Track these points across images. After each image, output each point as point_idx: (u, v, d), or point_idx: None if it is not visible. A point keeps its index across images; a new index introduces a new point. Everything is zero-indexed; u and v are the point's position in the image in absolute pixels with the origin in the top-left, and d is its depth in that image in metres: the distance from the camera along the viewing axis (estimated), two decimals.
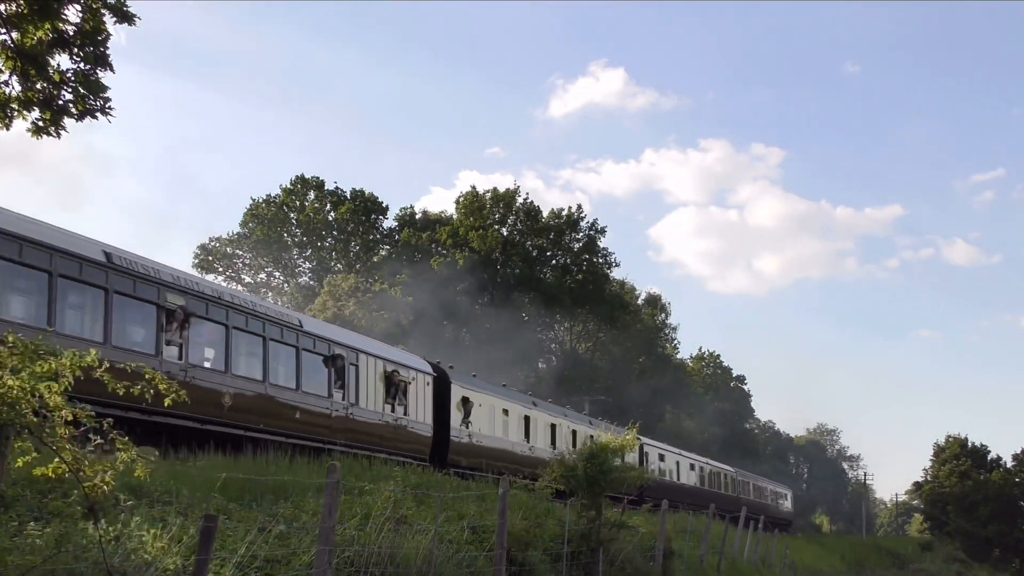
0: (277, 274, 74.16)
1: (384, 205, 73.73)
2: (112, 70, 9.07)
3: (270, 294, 70.57)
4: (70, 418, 6.50)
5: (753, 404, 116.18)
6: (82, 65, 8.96)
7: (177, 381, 7.64)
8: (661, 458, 50.50)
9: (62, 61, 8.97)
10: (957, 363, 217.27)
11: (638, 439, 44.53)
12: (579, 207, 74.67)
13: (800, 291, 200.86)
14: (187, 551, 8.73)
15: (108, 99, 9.08)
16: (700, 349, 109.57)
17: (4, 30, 8.67)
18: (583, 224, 73.80)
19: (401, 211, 74.71)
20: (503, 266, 70.16)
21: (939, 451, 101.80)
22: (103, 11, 8.91)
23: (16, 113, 9.01)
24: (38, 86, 8.93)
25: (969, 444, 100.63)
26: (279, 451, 19.15)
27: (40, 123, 9.02)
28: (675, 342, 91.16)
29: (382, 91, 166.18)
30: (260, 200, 71.69)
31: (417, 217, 73.89)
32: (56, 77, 8.92)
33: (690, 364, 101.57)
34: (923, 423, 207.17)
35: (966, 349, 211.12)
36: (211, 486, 12.28)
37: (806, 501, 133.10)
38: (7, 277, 15.41)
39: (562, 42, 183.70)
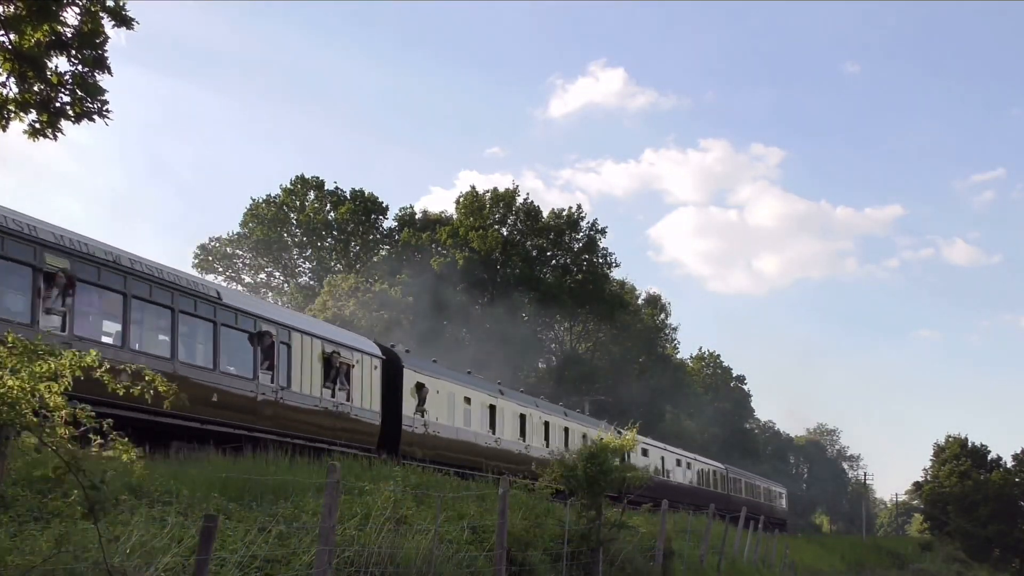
0: (277, 274, 74.21)
1: (384, 205, 73.83)
2: (110, 73, 9.09)
3: (270, 294, 70.61)
4: (70, 418, 6.52)
5: (753, 404, 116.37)
6: (80, 68, 8.98)
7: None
8: (644, 453, 47.43)
9: (60, 63, 8.99)
10: (957, 363, 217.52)
11: (619, 432, 44.12)
12: (579, 207, 74.80)
13: (800, 291, 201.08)
14: (187, 551, 8.75)
15: (106, 101, 9.10)
16: (700, 349, 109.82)
17: (2, 32, 8.69)
18: (583, 224, 73.88)
19: (401, 211, 74.85)
20: (503, 266, 70.18)
21: (939, 451, 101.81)
22: (101, 14, 8.93)
23: (13, 115, 9.03)
24: (35, 88, 8.94)
25: (969, 444, 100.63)
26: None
27: (37, 125, 9.04)
28: (675, 342, 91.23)
29: (382, 91, 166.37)
30: (260, 200, 71.75)
31: (417, 217, 73.91)
32: (54, 79, 8.94)
33: (690, 364, 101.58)
34: (923, 423, 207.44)
35: (966, 349, 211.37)
36: (211, 486, 12.29)
37: (806, 501, 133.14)
38: None
39: (562, 42, 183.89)
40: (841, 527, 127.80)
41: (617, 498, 19.33)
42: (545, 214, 73.33)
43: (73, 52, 8.97)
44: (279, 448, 19.15)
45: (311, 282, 71.75)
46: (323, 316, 50.38)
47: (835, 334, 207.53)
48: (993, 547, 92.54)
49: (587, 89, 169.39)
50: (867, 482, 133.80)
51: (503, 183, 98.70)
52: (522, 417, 35.17)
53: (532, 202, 73.21)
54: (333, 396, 23.71)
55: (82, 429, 6.57)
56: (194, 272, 61.80)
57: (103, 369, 7.06)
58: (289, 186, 72.17)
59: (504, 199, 72.00)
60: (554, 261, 73.51)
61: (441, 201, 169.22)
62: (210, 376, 19.35)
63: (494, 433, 32.58)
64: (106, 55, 9.16)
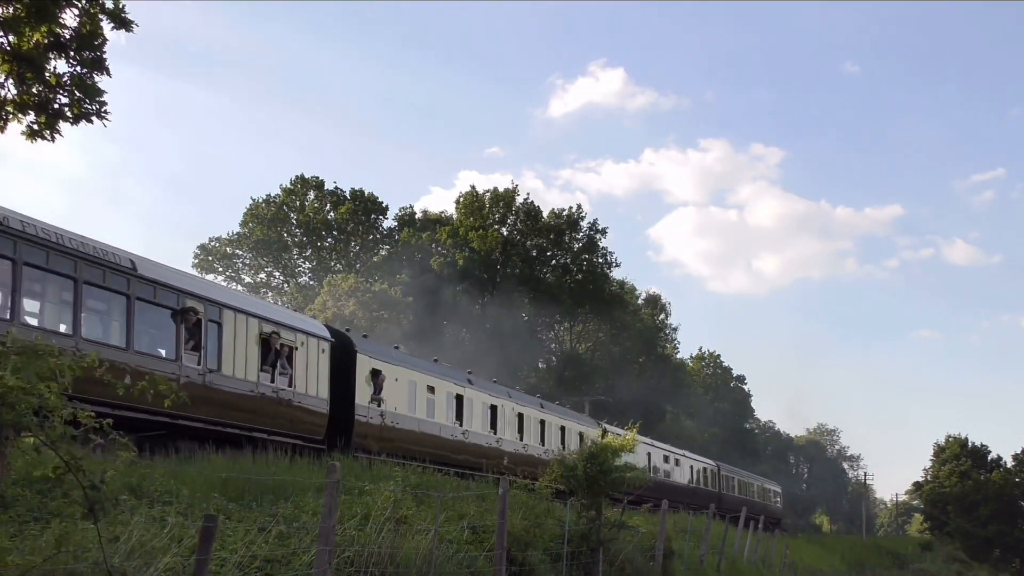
0: (277, 274, 74.20)
1: (384, 205, 73.82)
2: (109, 74, 9.09)
3: (270, 294, 70.60)
4: (70, 418, 6.52)
5: (753, 404, 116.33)
6: (79, 69, 8.98)
7: None
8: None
9: (59, 65, 8.99)
10: (957, 363, 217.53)
11: (600, 425, 42.54)
12: (579, 207, 74.80)
13: (800, 291, 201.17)
14: (187, 551, 8.75)
15: (104, 103, 9.11)
16: (700, 349, 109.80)
17: (1, 33, 8.69)
18: (583, 224, 73.89)
19: (401, 211, 74.85)
20: (503, 266, 70.18)
21: (939, 451, 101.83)
22: (100, 16, 8.93)
23: (12, 116, 9.03)
24: (34, 89, 8.95)
25: (969, 444, 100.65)
26: (278, 449, 18.66)
27: (35, 126, 9.04)
28: (675, 342, 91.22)
29: (382, 91, 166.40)
30: (260, 200, 71.76)
31: (417, 217, 73.91)
32: (52, 80, 8.95)
33: (690, 364, 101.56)
34: (923, 423, 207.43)
35: (966, 349, 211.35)
36: (211, 486, 12.30)
37: (806, 501, 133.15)
38: None
39: (562, 42, 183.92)
40: (841, 527, 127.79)
41: (617, 499, 19.31)
42: (545, 214, 73.38)
43: (72, 53, 8.98)
44: (207, 439, 18.12)
45: (311, 282, 71.75)
46: (323, 316, 50.38)
47: (835, 334, 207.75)
48: (993, 547, 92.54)
49: (587, 89, 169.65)
50: (867, 482, 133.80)
51: (503, 183, 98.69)
52: (493, 409, 32.74)
53: (532, 202, 73.30)
54: (272, 381, 21.39)
55: (81, 429, 6.58)
56: (194, 272, 61.89)
57: (103, 369, 7.07)
58: (289, 186, 72.20)
59: (504, 199, 72.01)
60: (554, 261, 73.51)
61: (441, 201, 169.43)
62: (122, 357, 17.13)
63: (461, 425, 30.28)
64: (105, 56, 9.17)
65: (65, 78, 9.00)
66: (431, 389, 28.94)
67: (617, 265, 75.26)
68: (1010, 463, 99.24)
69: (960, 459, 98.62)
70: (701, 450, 72.44)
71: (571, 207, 74.61)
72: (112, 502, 6.75)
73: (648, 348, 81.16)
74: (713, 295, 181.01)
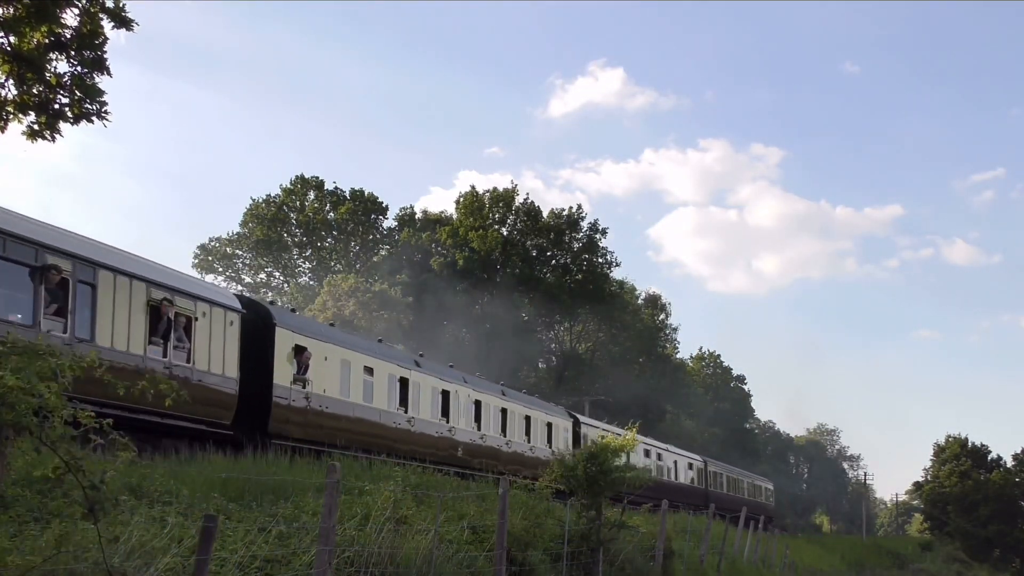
0: (277, 274, 74.22)
1: (384, 205, 73.84)
2: (109, 74, 9.09)
3: (270, 294, 70.61)
4: (70, 419, 6.53)
5: (753, 404, 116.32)
6: (79, 69, 8.98)
7: None
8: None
9: (59, 65, 8.98)
10: (957, 363, 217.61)
11: (572, 416, 41.30)
12: (579, 207, 74.79)
13: (800, 291, 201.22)
14: (187, 551, 8.76)
15: (105, 103, 9.11)
16: (700, 349, 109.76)
17: (2, 33, 8.69)
18: (583, 224, 73.90)
19: (401, 211, 74.87)
20: (503, 266, 70.19)
21: (939, 451, 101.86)
22: (101, 15, 8.93)
23: (12, 116, 9.03)
24: (35, 90, 8.94)
25: (969, 444, 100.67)
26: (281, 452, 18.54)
27: (36, 127, 9.04)
28: (675, 342, 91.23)
29: (382, 91, 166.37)
30: (260, 200, 71.79)
31: (417, 217, 73.93)
32: (53, 81, 8.94)
33: (690, 364, 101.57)
34: (923, 423, 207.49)
35: (966, 349, 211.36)
36: (211, 486, 12.30)
37: (806, 501, 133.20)
38: None
39: (561, 42, 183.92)
40: (841, 527, 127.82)
41: (617, 499, 19.29)
42: (545, 214, 73.40)
43: (72, 53, 8.98)
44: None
45: (311, 282, 71.76)
46: (323, 316, 50.39)
47: (835, 334, 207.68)
48: (993, 547, 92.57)
49: (587, 89, 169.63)
50: (867, 482, 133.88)
51: (502, 183, 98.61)
52: (445, 394, 29.84)
53: (532, 202, 73.31)
54: (165, 356, 18.46)
55: (81, 429, 6.58)
56: (194, 272, 61.88)
57: (103, 369, 7.07)
58: (289, 186, 72.23)
59: (504, 199, 72.03)
60: (554, 261, 73.51)
61: (441, 201, 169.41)
62: None
63: (407, 411, 27.41)
64: (105, 56, 9.16)
65: (65, 78, 9.00)
66: (369, 370, 25.75)
67: (617, 265, 75.35)
68: (1010, 463, 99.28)
69: (960, 459, 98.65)
70: (701, 450, 72.41)
71: (571, 207, 74.73)
72: (112, 502, 6.75)
73: (648, 348, 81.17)
74: (713, 295, 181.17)
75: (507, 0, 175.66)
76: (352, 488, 13.42)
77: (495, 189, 72.67)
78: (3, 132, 9.08)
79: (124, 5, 9.09)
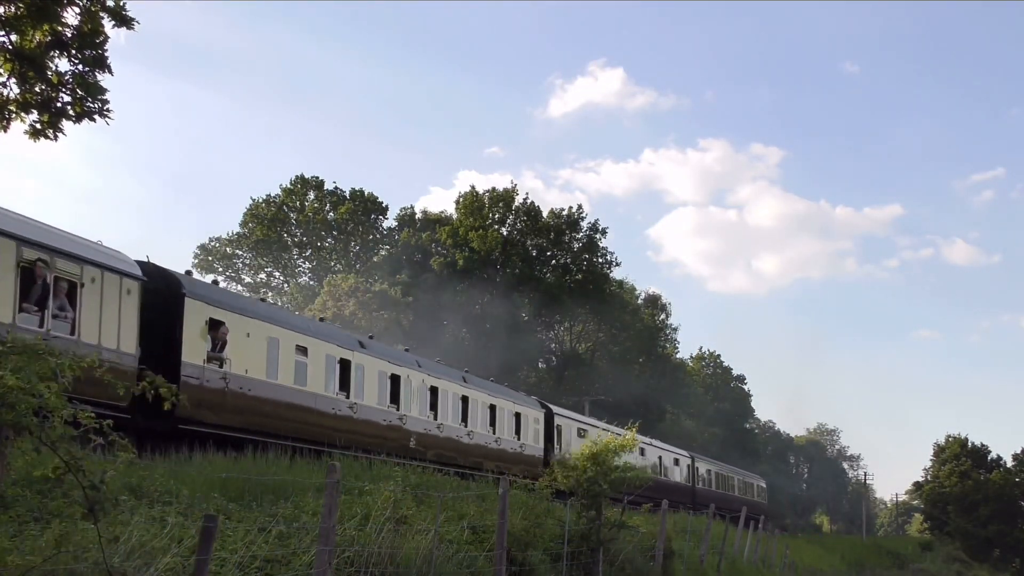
0: (277, 274, 74.22)
1: (384, 205, 73.86)
2: (110, 72, 9.08)
3: (270, 294, 70.62)
4: (70, 418, 6.52)
5: (753, 404, 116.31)
6: (80, 67, 8.98)
7: None
8: (580, 434, 39.67)
9: (60, 63, 8.98)
10: (957, 363, 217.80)
11: (544, 407, 38.40)
12: (579, 207, 74.76)
13: (800, 291, 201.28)
14: (187, 551, 8.75)
15: (106, 101, 9.10)
16: (700, 349, 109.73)
17: (3, 32, 8.69)
18: (583, 224, 73.88)
19: (401, 211, 74.87)
20: (503, 266, 70.18)
21: (939, 451, 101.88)
22: (101, 14, 8.93)
23: (14, 115, 9.03)
24: (36, 88, 8.94)
25: (969, 444, 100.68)
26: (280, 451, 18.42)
27: (38, 125, 9.03)
28: (675, 342, 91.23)
29: (382, 91, 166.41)
30: (260, 200, 71.79)
31: (417, 217, 73.92)
32: (54, 79, 8.94)
33: (690, 364, 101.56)
34: (923, 423, 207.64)
35: (966, 349, 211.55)
36: (211, 486, 12.30)
37: (806, 501, 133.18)
38: None
39: (561, 42, 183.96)
40: (841, 527, 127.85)
41: (617, 499, 19.28)
42: (545, 214, 73.38)
43: (73, 52, 8.97)
44: None
45: (311, 282, 71.77)
46: (323, 317, 50.39)
47: (835, 334, 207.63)
48: (993, 547, 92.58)
49: (586, 89, 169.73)
50: (867, 482, 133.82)
51: (502, 183, 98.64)
52: (395, 379, 27.30)
53: (532, 202, 73.30)
54: (42, 325, 16.24)
55: (81, 429, 6.58)
56: (195, 272, 61.82)
57: (103, 369, 7.06)
58: (289, 186, 72.23)
59: (504, 199, 72.02)
60: (554, 261, 73.50)
61: (440, 201, 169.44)
62: None
63: (348, 397, 24.92)
64: (106, 55, 9.16)
65: (67, 77, 9.00)
66: (302, 350, 23.24)
67: (617, 265, 75.33)
68: (1010, 463, 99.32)
69: (960, 459, 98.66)
70: (702, 450, 72.40)
71: (571, 207, 74.71)
72: (112, 502, 6.75)
73: (648, 348, 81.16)
74: (713, 295, 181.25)
75: (507, 0, 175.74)
76: (352, 488, 13.43)
77: (494, 189, 72.67)
78: (6, 131, 9.07)
79: (124, 4, 9.07)
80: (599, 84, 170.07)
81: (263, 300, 24.22)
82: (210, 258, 71.59)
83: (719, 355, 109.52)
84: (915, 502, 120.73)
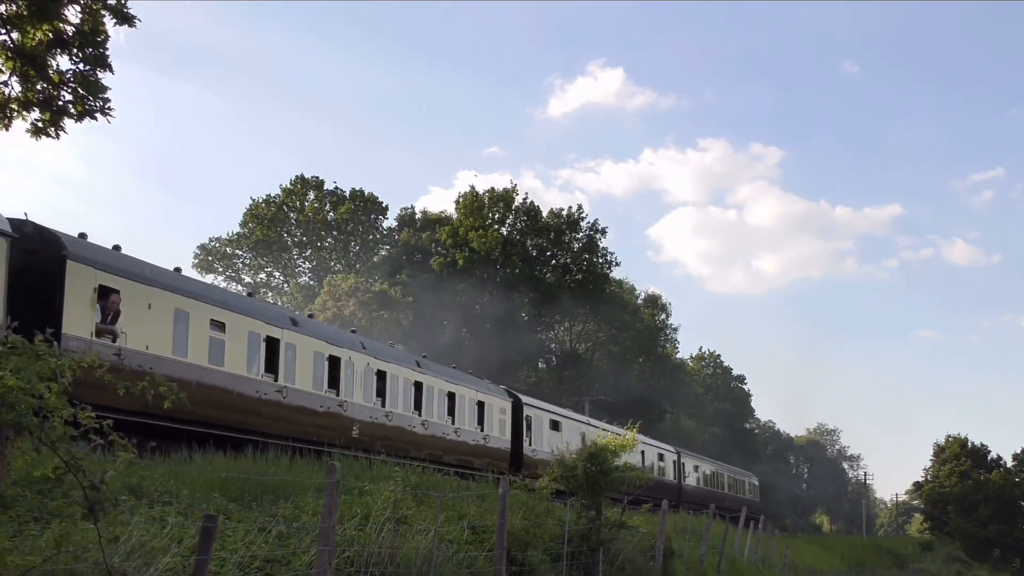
0: (277, 274, 74.22)
1: (384, 205, 73.89)
2: (111, 71, 9.09)
3: (270, 294, 70.61)
4: (70, 418, 6.51)
5: (753, 404, 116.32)
6: (81, 66, 8.98)
7: None
8: (555, 427, 38.18)
9: (62, 62, 8.98)
10: (957, 363, 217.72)
11: (512, 396, 35.82)
12: (579, 207, 74.80)
13: (800, 291, 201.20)
14: (187, 551, 8.74)
15: (108, 99, 9.10)
16: (700, 349, 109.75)
17: (4, 31, 8.68)
18: (583, 224, 73.90)
19: (401, 211, 74.90)
20: (503, 266, 70.19)
21: (939, 451, 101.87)
22: (103, 12, 8.93)
23: (16, 114, 9.02)
24: (38, 87, 8.94)
25: (969, 444, 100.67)
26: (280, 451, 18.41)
27: (39, 124, 9.03)
28: (675, 342, 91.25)
29: (382, 91, 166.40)
30: (260, 200, 71.81)
31: (417, 217, 73.94)
32: (55, 78, 8.94)
33: (690, 364, 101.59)
34: (923, 423, 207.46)
35: (966, 349, 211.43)
36: (211, 486, 12.29)
37: (806, 501, 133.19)
38: None
39: (561, 42, 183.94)
40: (841, 527, 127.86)
41: (617, 499, 19.26)
42: (544, 214, 73.39)
43: (75, 50, 8.97)
44: None
45: (311, 282, 71.77)
46: (323, 316, 50.42)
47: (835, 334, 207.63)
48: (993, 547, 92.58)
49: (586, 89, 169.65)
50: (867, 482, 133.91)
51: (502, 183, 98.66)
52: (334, 361, 25.01)
53: (532, 202, 73.32)
54: None
55: (82, 429, 6.57)
56: (194, 272, 61.81)
57: (103, 369, 7.06)
58: (289, 186, 72.24)
59: (503, 199, 72.03)
60: (554, 261, 73.52)
61: (440, 201, 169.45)
62: None
63: (277, 379, 22.56)
64: (107, 53, 9.15)
65: (68, 75, 8.99)
66: (218, 325, 20.78)
67: (617, 265, 75.36)
68: (1010, 463, 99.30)
69: (960, 459, 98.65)
70: (702, 450, 72.38)
71: (571, 207, 74.75)
72: (112, 502, 6.74)
73: (648, 348, 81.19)
74: (713, 295, 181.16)
75: (507, 0, 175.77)
76: (352, 488, 13.42)
77: (493, 189, 72.65)
78: (7, 129, 9.07)
79: (125, 1, 9.07)
80: (599, 84, 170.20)
81: (178, 271, 21.20)
82: (210, 258, 71.60)
83: (719, 355, 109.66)
84: (915, 502, 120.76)
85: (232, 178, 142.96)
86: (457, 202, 72.85)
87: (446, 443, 30.29)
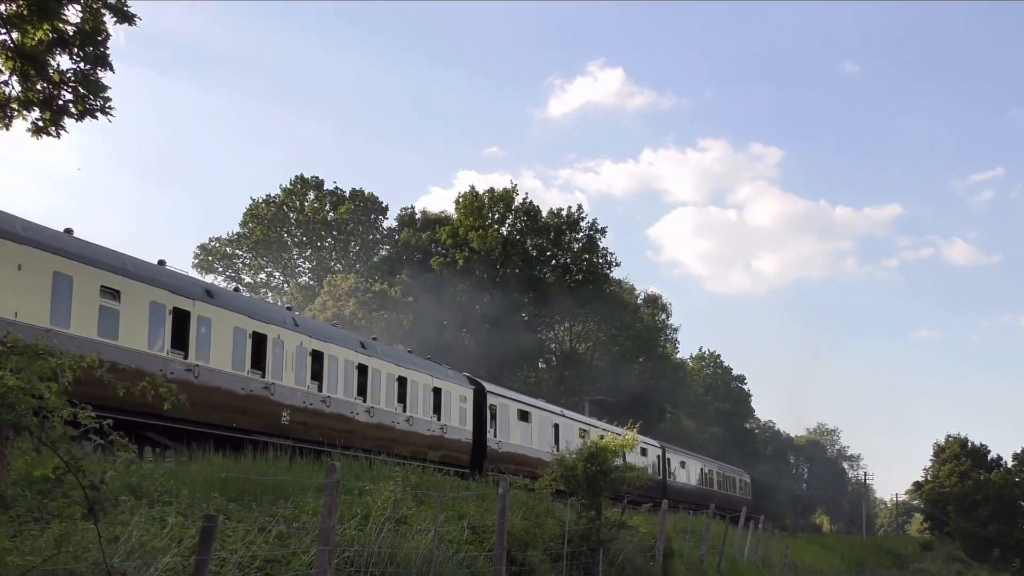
0: (277, 274, 74.22)
1: (384, 205, 73.91)
2: (112, 70, 9.08)
3: (270, 294, 70.62)
4: (70, 418, 6.51)
5: (753, 404, 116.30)
6: (82, 65, 8.97)
7: None
8: (524, 417, 36.01)
9: (62, 61, 8.98)
10: (957, 363, 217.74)
11: (475, 383, 33.24)
12: (579, 207, 74.78)
13: (799, 291, 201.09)
14: (187, 551, 8.74)
15: (108, 99, 9.09)
16: (700, 349, 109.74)
17: (4, 30, 8.68)
18: (583, 224, 73.89)
19: (401, 211, 74.90)
20: (503, 266, 70.19)
21: (939, 451, 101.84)
22: (103, 11, 8.92)
23: (16, 113, 9.02)
24: (38, 86, 8.93)
25: (969, 444, 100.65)
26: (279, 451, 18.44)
27: (40, 123, 9.03)
28: (675, 342, 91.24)
29: (381, 91, 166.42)
30: (260, 200, 71.82)
31: (417, 217, 73.94)
32: (56, 77, 8.93)
33: (690, 364, 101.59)
34: (923, 423, 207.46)
35: (966, 349, 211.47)
36: (211, 486, 12.29)
37: (806, 501, 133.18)
38: None
39: (561, 42, 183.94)
40: (841, 527, 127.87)
41: (617, 498, 19.26)
42: (544, 214, 73.37)
43: (75, 50, 8.96)
44: None
45: (311, 282, 71.78)
46: (323, 316, 50.39)
47: (835, 334, 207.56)
48: (993, 547, 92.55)
49: (586, 89, 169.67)
50: (867, 482, 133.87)
51: (502, 183, 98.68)
52: (259, 338, 22.43)
53: (532, 202, 73.29)
54: None
55: (82, 430, 6.56)
56: (194, 272, 61.82)
57: (103, 369, 7.05)
58: (289, 186, 72.25)
59: (503, 199, 72.02)
60: (554, 261, 73.52)
61: (440, 201, 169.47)
62: None
63: (187, 358, 20.11)
64: (108, 52, 9.14)
65: (69, 74, 8.99)
66: (111, 293, 18.29)
67: (617, 265, 75.35)
68: (1010, 463, 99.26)
69: (960, 459, 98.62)
70: (702, 450, 72.36)
71: (571, 207, 74.73)
72: (112, 502, 6.74)
73: (648, 348, 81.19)
74: (713, 295, 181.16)
75: (507, 0, 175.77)
76: (352, 488, 13.42)
77: (492, 190, 72.63)
78: (8, 129, 9.06)
79: (126, 0, 9.06)
80: (599, 84, 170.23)
81: (69, 233, 18.25)
82: (210, 258, 71.59)
83: (719, 355, 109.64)
84: (915, 502, 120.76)
85: (232, 178, 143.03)
86: (457, 202, 72.87)
87: (396, 433, 27.76)
